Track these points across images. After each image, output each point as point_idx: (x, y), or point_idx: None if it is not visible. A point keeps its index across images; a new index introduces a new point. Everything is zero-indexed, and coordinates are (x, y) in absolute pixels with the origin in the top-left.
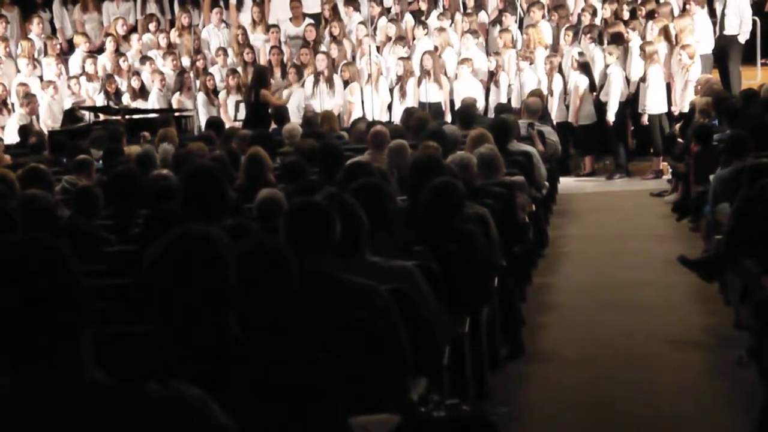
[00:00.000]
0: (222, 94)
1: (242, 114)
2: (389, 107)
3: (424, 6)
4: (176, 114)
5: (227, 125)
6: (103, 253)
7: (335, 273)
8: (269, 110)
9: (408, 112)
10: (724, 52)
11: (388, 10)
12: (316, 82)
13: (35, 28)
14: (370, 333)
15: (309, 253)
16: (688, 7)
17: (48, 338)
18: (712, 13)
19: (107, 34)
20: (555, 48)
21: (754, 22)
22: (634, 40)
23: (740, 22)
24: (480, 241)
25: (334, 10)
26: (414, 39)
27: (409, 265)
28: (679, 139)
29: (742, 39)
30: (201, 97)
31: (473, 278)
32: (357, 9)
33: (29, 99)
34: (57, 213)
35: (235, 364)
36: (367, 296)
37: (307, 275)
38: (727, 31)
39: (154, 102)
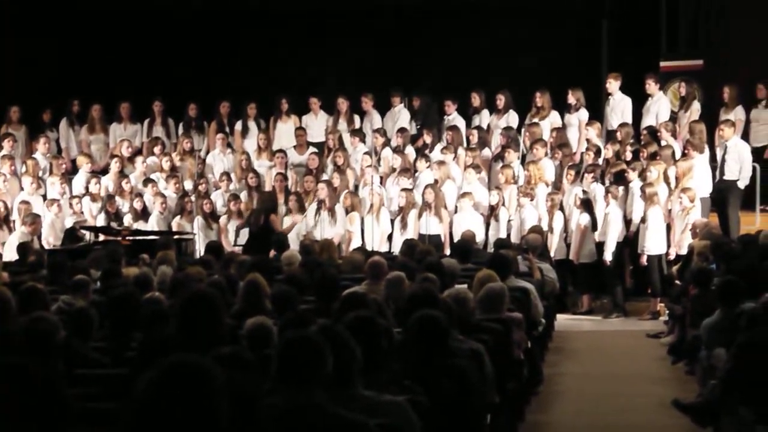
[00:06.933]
0: (223, 219)
1: (242, 239)
2: (389, 238)
3: (428, 139)
4: (176, 237)
5: (227, 250)
6: (97, 375)
7: (325, 406)
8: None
9: (408, 244)
10: (723, 197)
11: (390, 140)
12: (318, 210)
13: (41, 147)
14: None
15: (300, 387)
16: (687, 151)
17: None
18: (712, 158)
19: (113, 156)
20: (557, 186)
21: (754, 169)
22: (635, 182)
23: (740, 168)
24: (474, 377)
25: (339, 140)
26: (416, 171)
27: (400, 399)
28: (677, 281)
29: (742, 184)
30: (199, 220)
31: (466, 414)
32: (362, 140)
33: (33, 219)
34: (57, 336)
35: None
36: (357, 431)
37: (296, 408)
38: (727, 176)
39: (153, 224)
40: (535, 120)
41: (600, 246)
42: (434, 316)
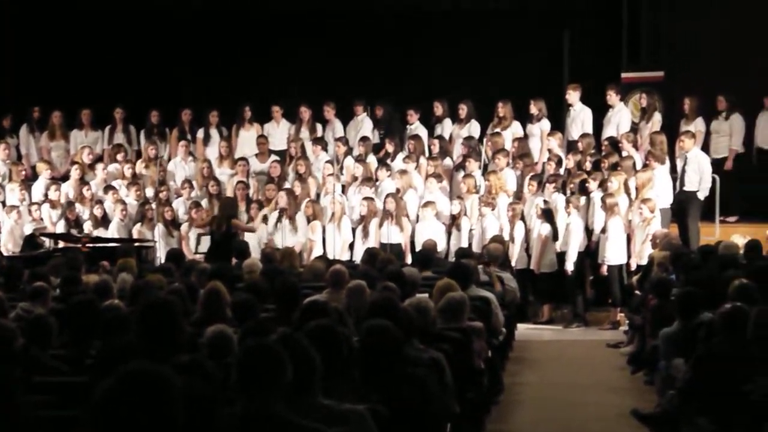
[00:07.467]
0: (184, 227)
1: (203, 247)
2: (351, 246)
3: (390, 148)
4: (137, 244)
5: (188, 258)
6: (56, 383)
7: (285, 415)
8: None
9: (369, 253)
10: (683, 208)
11: (352, 149)
12: (279, 218)
13: (1, 153)
14: None
15: (259, 395)
16: (648, 162)
17: None
18: (672, 169)
19: (73, 162)
20: (518, 195)
21: (714, 180)
22: (596, 192)
23: (700, 179)
24: (434, 386)
25: (302, 148)
26: (377, 180)
27: (360, 408)
28: (637, 292)
29: (702, 195)
30: (159, 228)
31: (425, 424)
32: (324, 148)
33: None
34: (15, 343)
35: None
36: None
37: (256, 417)
38: (687, 187)
39: (114, 231)
40: (497, 130)
41: (561, 256)
42: (383, 326)
